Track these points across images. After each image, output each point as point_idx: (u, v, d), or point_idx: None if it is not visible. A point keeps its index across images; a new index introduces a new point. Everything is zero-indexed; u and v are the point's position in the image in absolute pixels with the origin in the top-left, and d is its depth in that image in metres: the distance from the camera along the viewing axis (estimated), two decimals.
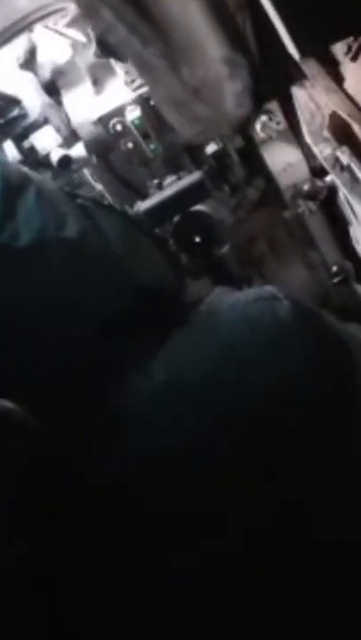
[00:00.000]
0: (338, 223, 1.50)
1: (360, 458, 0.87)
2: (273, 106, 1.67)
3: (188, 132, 1.49)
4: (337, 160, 1.41)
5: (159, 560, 0.85)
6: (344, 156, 1.40)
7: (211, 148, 1.72)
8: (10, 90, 1.83)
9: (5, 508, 0.82)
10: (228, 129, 1.50)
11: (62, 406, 0.87)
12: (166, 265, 1.04)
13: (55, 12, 1.75)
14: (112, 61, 1.75)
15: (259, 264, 1.72)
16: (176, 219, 1.70)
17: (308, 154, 1.58)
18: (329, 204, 1.50)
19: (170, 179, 1.73)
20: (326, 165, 1.45)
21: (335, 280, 1.48)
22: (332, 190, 1.48)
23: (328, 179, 1.48)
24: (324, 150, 1.46)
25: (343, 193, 1.44)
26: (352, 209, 1.41)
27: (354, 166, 1.37)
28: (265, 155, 1.66)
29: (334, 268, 1.50)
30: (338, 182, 1.45)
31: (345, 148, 1.41)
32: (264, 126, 1.65)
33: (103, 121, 1.76)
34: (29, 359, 0.88)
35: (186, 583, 0.85)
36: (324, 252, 1.55)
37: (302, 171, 1.59)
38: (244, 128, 1.63)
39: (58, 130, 1.83)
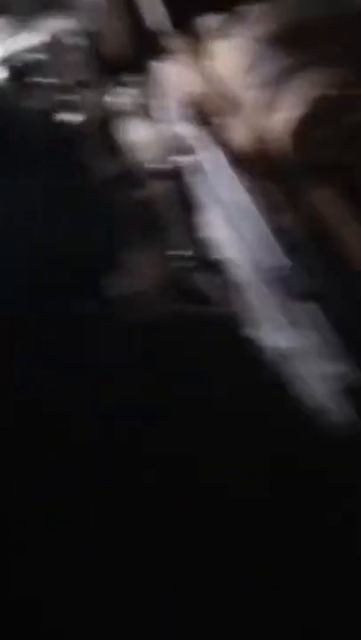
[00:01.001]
0: (188, 206, 1.45)
1: None
2: (132, 79, 1.59)
3: None
4: (188, 140, 1.37)
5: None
6: (196, 136, 1.35)
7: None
8: None
9: None
10: None
11: None
12: None
13: None
14: None
15: None
16: None
17: (163, 132, 1.52)
18: (180, 185, 1.45)
19: None
20: (180, 145, 1.40)
21: (179, 265, 1.43)
22: (185, 172, 1.42)
23: (181, 159, 1.43)
24: (179, 129, 1.41)
25: (194, 175, 1.39)
26: (201, 193, 1.37)
27: (205, 147, 1.33)
28: (119, 130, 1.59)
29: (179, 253, 1.44)
30: (190, 164, 1.40)
31: (200, 129, 1.37)
32: (120, 100, 1.58)
33: None
34: None
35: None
36: (172, 235, 1.49)
37: (156, 149, 1.52)
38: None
39: None
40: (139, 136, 1.54)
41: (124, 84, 1.60)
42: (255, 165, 1.30)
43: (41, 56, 1.65)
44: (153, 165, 1.49)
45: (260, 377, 1.19)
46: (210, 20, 1.48)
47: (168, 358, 1.18)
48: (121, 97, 1.59)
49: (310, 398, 1.19)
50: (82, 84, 1.61)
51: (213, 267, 1.37)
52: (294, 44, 1.35)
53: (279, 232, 1.24)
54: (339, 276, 1.20)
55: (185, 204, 1.44)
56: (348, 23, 1.37)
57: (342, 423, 1.12)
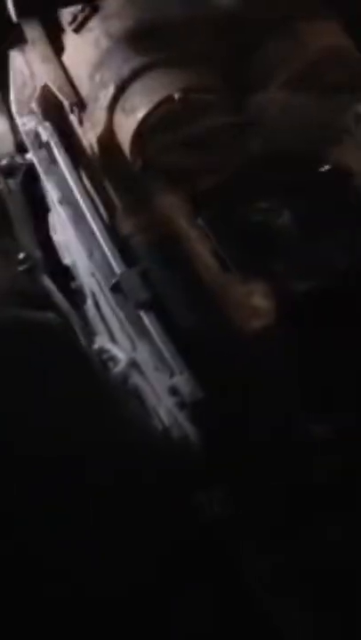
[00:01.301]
0: (38, 206, 1.39)
1: None
2: None
3: None
4: (37, 136, 1.29)
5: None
6: (45, 133, 1.28)
7: None
8: None
9: None
10: None
11: None
12: None
13: None
14: None
15: None
16: None
17: (16, 126, 1.44)
18: (31, 184, 1.38)
19: None
20: (26, 140, 1.32)
21: (22, 267, 1.36)
22: (36, 169, 1.35)
23: (33, 156, 1.35)
24: (27, 123, 1.33)
25: (45, 174, 1.32)
26: (51, 193, 1.29)
27: (53, 144, 1.26)
28: None
29: (21, 255, 1.38)
30: (41, 161, 1.32)
31: (48, 124, 1.30)
32: None
33: None
34: None
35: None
36: (19, 236, 1.42)
37: (6, 143, 1.44)
38: None
39: None
40: None
41: None
42: (103, 167, 1.24)
43: None
44: (3, 161, 1.42)
45: (101, 389, 1.15)
46: (70, 12, 1.42)
47: (5, 366, 1.11)
48: None
49: (150, 410, 1.16)
50: None
51: (59, 271, 1.32)
52: (149, 42, 1.29)
53: (123, 237, 1.18)
54: (182, 284, 1.16)
55: (35, 204, 1.38)
56: (209, 23, 1.32)
57: (181, 435, 1.10)
